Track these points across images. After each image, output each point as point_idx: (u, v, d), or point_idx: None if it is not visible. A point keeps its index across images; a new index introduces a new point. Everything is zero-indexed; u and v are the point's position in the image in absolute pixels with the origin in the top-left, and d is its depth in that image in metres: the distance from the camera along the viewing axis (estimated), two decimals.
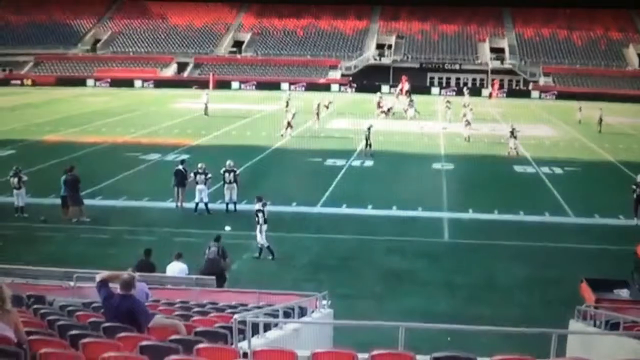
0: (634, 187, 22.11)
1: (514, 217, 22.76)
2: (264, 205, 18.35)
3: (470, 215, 23.05)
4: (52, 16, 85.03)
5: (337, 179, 28.00)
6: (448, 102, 50.02)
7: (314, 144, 36.25)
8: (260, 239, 18.12)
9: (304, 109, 43.73)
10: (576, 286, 15.19)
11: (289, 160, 32.27)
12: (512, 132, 34.49)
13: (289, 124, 39.07)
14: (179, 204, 22.96)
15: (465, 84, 71.29)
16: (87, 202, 22.06)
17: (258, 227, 18.11)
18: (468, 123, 38.78)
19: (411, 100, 49.86)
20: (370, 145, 32.85)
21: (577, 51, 75.59)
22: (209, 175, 22.24)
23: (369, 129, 33.48)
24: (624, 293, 14.76)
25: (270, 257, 18.24)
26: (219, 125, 42.51)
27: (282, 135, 38.25)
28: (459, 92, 63.83)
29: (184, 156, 27.56)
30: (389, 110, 48.17)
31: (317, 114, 43.16)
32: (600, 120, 43.04)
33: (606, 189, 27.10)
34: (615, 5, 78.56)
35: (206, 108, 47.13)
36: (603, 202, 24.52)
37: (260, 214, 18.08)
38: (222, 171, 22.50)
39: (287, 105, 50.12)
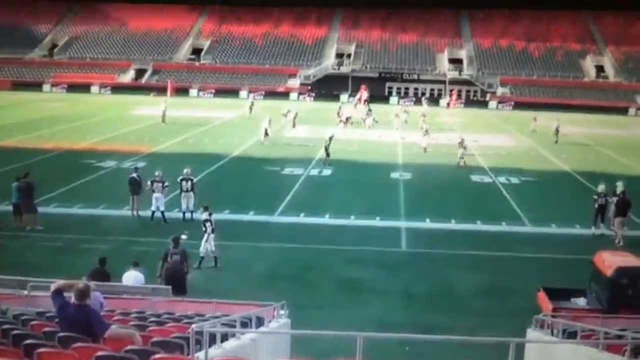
0: (595, 197, 22.44)
1: (471, 227, 22.94)
2: (210, 214, 18.29)
3: (427, 224, 23.18)
4: (8, 19, 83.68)
5: (294, 188, 27.94)
6: (405, 111, 50.42)
7: (272, 153, 36.18)
8: (203, 248, 18.00)
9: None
10: (533, 295, 15.34)
11: (247, 168, 32.10)
12: (460, 143, 34.89)
13: (266, 131, 39.49)
14: (134, 212, 22.69)
15: (424, 93, 71.88)
16: (41, 209, 21.69)
17: (205, 236, 18.02)
18: (426, 133, 39.05)
19: (369, 110, 50.14)
20: (328, 155, 32.87)
21: (534, 62, 76.75)
22: (166, 184, 22.06)
23: (330, 138, 33.54)
24: (581, 302, 14.96)
25: (213, 265, 18.15)
26: (177, 133, 42.16)
27: (261, 143, 38.59)
28: (417, 102, 64.29)
29: (140, 164, 27.29)
30: (347, 119, 48.30)
31: (294, 120, 43.44)
32: (557, 130, 43.59)
33: (563, 199, 27.49)
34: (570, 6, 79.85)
35: (164, 115, 46.70)
36: (559, 212, 24.85)
37: (207, 224, 18.03)
38: (179, 179, 22.33)
39: (250, 112, 50.35)
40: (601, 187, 22.74)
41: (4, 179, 21.98)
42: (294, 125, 45.41)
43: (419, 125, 42.68)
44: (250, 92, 70.10)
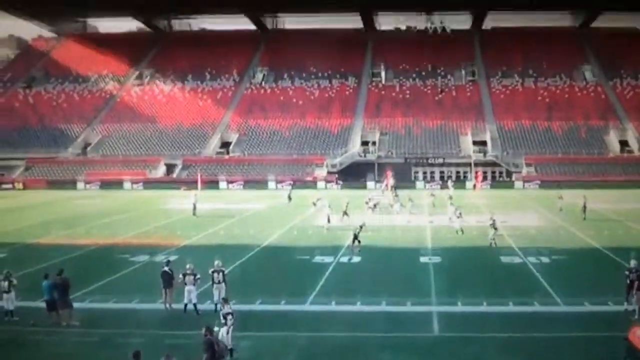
0: (627, 272, 22.27)
1: (503, 308, 22.73)
2: (230, 307, 18.32)
3: (459, 307, 23.04)
4: (43, 121, 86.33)
5: (325, 276, 28.01)
6: (432, 194, 50.71)
7: (302, 241, 36.44)
8: (227, 341, 17.90)
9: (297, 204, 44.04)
10: None
11: (278, 257, 32.33)
12: (492, 224, 34.86)
13: (345, 213, 41.19)
14: (167, 305, 22.89)
15: (450, 176, 72.34)
16: (76, 304, 21.97)
17: (225, 328, 17.98)
18: (460, 215, 39.07)
19: (396, 195, 50.47)
20: (359, 242, 33.04)
21: (558, 140, 77.26)
22: (198, 276, 22.21)
23: (361, 227, 33.82)
24: None
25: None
26: (208, 225, 42.66)
27: (327, 229, 39.71)
28: (444, 185, 64.62)
29: (172, 257, 27.64)
30: (375, 205, 48.61)
31: (345, 211, 43.81)
32: (585, 207, 43.52)
33: (594, 276, 27.23)
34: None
35: (194, 208, 47.41)
36: (592, 289, 24.62)
37: (229, 316, 18.03)
38: (210, 271, 22.46)
39: (289, 200, 50.80)
40: (633, 263, 22.53)
41: (40, 276, 22.37)
42: (346, 214, 44.76)
43: (449, 208, 42.77)
44: (278, 182, 70.97)
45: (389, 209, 48.80)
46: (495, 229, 34.77)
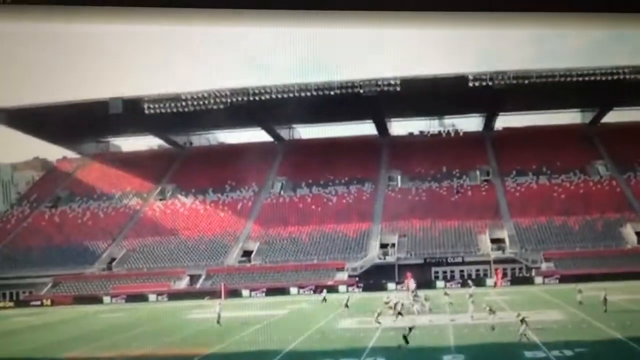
0: None
1: None
2: None
3: None
4: (69, 239, 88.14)
5: None
6: (446, 293, 51.45)
7: (325, 345, 36.92)
8: None
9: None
10: None
11: None
12: (522, 319, 35.23)
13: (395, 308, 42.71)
14: None
15: (470, 275, 72.77)
16: None
17: None
18: (491, 311, 39.39)
19: (416, 296, 51.02)
20: (407, 342, 33.65)
21: (575, 235, 77.77)
22: None
23: (410, 329, 34.83)
24: None
25: None
26: (232, 333, 43.17)
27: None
28: (464, 284, 65.11)
29: None
30: (395, 305, 49.05)
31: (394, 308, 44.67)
32: (605, 299, 43.89)
33: None
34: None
35: (219, 317, 48.14)
36: None
37: None
38: None
39: (347, 306, 51.05)
40: None
41: None
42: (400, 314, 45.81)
43: (470, 307, 43.17)
44: (299, 288, 71.70)
45: (410, 309, 49.20)
46: (526, 324, 35.08)
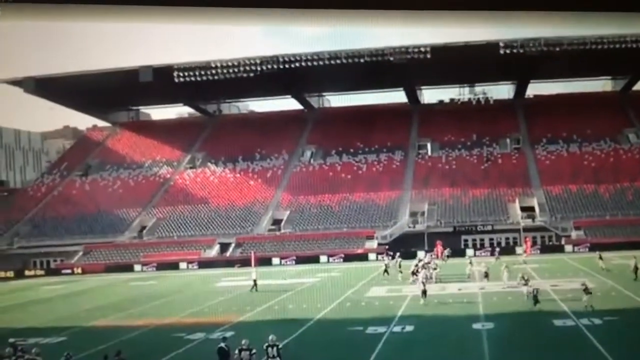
0: None
1: None
2: None
3: None
4: (100, 207, 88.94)
5: (379, 347, 28.37)
6: (470, 262, 51.36)
7: (354, 313, 36.99)
8: None
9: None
10: None
11: (331, 330, 32.78)
12: (584, 289, 34.81)
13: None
14: None
15: (499, 243, 72.48)
16: None
17: None
18: (525, 282, 38.89)
19: (433, 266, 50.75)
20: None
21: (605, 203, 76.94)
22: (254, 351, 22.67)
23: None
24: None
25: None
26: (262, 301, 43.35)
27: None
28: (493, 252, 65.13)
29: (228, 334, 28.39)
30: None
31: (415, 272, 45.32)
32: (636, 268, 43.39)
33: None
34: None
35: (255, 284, 48.57)
36: None
37: None
38: (264, 346, 22.89)
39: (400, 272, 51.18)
40: None
41: (99, 358, 23.10)
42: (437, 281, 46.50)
43: (518, 276, 42.66)
44: (329, 256, 71.81)
45: (440, 278, 49.02)
46: (590, 293, 34.68)
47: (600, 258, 48.63)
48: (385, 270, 51.49)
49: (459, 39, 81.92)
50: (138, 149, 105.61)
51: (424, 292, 36.29)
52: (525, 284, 38.36)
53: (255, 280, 48.72)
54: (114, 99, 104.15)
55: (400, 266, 52.22)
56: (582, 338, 28.12)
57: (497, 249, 64.38)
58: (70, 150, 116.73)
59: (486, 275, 46.60)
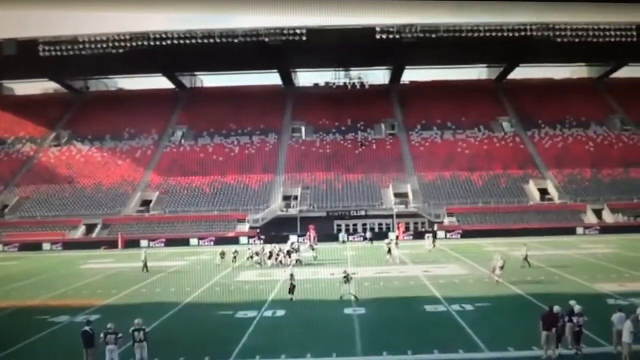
0: (574, 318, 22.47)
1: (428, 357, 22.91)
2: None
3: (385, 357, 23.17)
4: None
5: (249, 331, 27.84)
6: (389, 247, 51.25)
7: (224, 297, 36.22)
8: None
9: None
10: None
11: (200, 314, 31.95)
12: (502, 267, 35.93)
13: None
14: None
15: (372, 228, 73.17)
16: None
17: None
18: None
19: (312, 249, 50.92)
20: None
21: (478, 190, 79.20)
22: (119, 335, 21.83)
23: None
24: None
25: None
26: (129, 284, 42.00)
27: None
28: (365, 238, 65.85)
29: (92, 317, 27.11)
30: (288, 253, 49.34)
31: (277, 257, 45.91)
32: (526, 256, 44.50)
33: (518, 322, 27.68)
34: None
35: (145, 264, 47.56)
36: (515, 335, 25.09)
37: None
38: (130, 330, 22.09)
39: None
40: (556, 308, 22.91)
41: None
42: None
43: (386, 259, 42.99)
44: (199, 239, 70.61)
45: (311, 261, 49.00)
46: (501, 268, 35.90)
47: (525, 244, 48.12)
48: (251, 257, 50.66)
49: (335, 22, 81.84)
50: (0, 124, 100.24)
51: (292, 276, 35.69)
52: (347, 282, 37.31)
53: (145, 261, 47.65)
54: None
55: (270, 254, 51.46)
56: (452, 322, 28.49)
57: (369, 235, 64.82)
58: None
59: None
